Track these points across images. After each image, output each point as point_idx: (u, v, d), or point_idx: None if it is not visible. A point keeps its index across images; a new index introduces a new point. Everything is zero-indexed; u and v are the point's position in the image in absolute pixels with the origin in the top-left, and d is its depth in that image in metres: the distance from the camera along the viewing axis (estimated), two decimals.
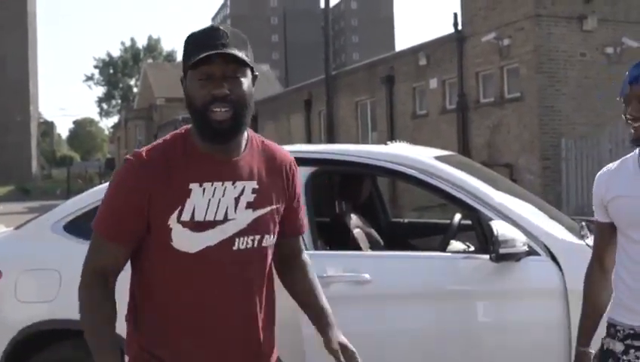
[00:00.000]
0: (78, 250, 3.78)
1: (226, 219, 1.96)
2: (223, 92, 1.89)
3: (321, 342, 2.10)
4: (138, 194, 1.92)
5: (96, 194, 3.86)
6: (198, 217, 1.93)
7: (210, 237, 1.94)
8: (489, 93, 17.01)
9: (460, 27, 17.80)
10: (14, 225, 4.38)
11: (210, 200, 1.94)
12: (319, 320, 2.14)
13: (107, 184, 2.10)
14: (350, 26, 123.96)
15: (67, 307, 3.69)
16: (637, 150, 2.35)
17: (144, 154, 1.96)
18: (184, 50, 1.97)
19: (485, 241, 3.43)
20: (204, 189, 1.94)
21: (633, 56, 16.08)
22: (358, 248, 4.16)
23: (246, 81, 1.94)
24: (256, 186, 2.01)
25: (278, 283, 2.23)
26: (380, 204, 5.33)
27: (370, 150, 3.88)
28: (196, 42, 1.93)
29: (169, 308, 1.98)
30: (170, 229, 1.93)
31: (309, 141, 24.33)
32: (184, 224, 1.93)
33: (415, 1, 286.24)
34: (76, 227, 3.84)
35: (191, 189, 1.93)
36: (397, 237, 5.04)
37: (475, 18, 17.30)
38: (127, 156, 1.99)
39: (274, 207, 2.05)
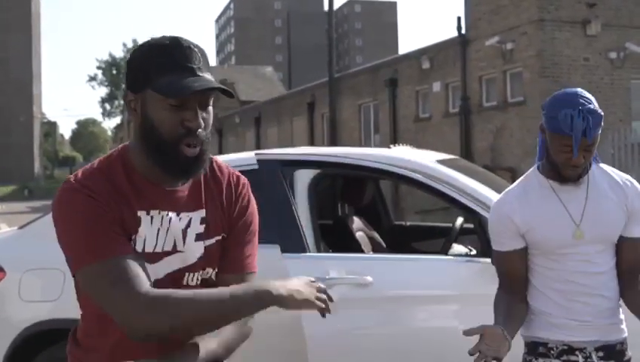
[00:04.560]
0: None
1: (174, 251, 1.76)
2: (199, 124, 1.68)
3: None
4: (107, 217, 1.68)
5: None
6: (149, 248, 1.73)
7: (160, 270, 1.75)
8: (492, 97, 17.04)
9: (463, 31, 17.83)
10: (17, 225, 4.40)
11: (158, 229, 1.74)
12: None
13: None
14: (354, 29, 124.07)
15: (71, 306, 3.71)
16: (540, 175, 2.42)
17: (86, 181, 1.70)
18: (144, 63, 1.69)
19: (487, 245, 3.44)
20: (151, 218, 1.73)
21: (637, 61, 16.11)
22: (361, 251, 4.18)
23: (212, 111, 1.75)
24: (204, 215, 1.80)
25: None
26: (383, 207, 5.34)
27: (372, 153, 3.89)
28: (166, 59, 1.67)
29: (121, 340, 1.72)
30: None
31: (311, 143, 24.34)
32: None
33: (419, 4, 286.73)
34: None
35: (140, 217, 1.72)
36: (399, 240, 5.05)
37: (479, 22, 17.32)
38: (70, 182, 1.71)
39: (219, 237, 1.83)
